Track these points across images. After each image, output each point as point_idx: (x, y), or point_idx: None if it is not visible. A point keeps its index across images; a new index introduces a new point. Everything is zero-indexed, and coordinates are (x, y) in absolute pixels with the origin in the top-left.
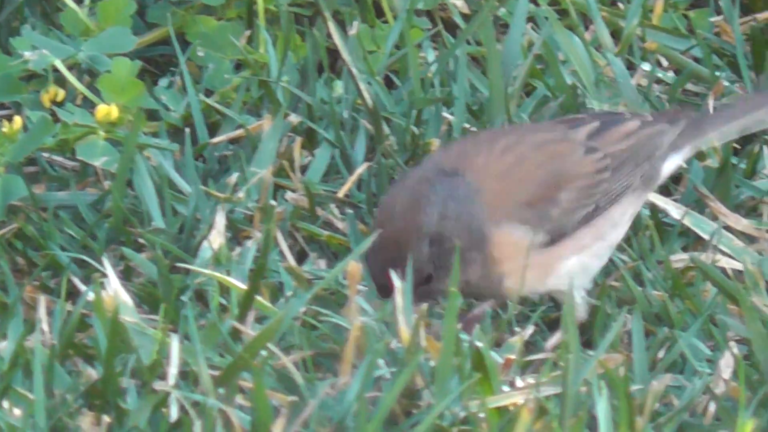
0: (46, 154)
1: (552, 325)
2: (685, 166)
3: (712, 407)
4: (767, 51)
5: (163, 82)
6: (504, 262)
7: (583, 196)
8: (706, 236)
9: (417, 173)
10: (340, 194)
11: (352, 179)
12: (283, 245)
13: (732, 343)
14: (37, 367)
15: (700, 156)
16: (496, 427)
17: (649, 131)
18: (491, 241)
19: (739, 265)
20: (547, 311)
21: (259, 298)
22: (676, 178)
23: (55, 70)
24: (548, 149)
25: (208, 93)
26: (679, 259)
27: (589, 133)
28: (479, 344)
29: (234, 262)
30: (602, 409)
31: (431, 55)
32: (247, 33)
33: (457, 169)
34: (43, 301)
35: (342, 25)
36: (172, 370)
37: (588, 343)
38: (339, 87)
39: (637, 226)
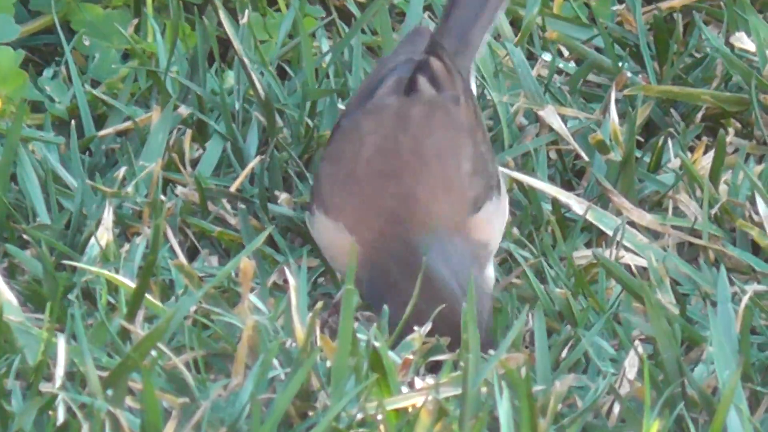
0: None
1: None
2: (586, 158)
3: (617, 408)
4: (670, 41)
5: (47, 72)
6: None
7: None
8: (609, 232)
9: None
10: (232, 189)
11: (245, 173)
12: (174, 242)
13: (637, 342)
14: None
15: (602, 149)
16: (394, 429)
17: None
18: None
19: (643, 262)
20: None
21: (148, 296)
22: (579, 171)
23: None
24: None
25: (95, 84)
26: (582, 255)
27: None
28: (377, 344)
29: (122, 259)
30: (503, 411)
31: (325, 45)
32: (135, 21)
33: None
34: None
35: (233, 14)
36: (59, 371)
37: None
38: (230, 77)
39: (538, 221)
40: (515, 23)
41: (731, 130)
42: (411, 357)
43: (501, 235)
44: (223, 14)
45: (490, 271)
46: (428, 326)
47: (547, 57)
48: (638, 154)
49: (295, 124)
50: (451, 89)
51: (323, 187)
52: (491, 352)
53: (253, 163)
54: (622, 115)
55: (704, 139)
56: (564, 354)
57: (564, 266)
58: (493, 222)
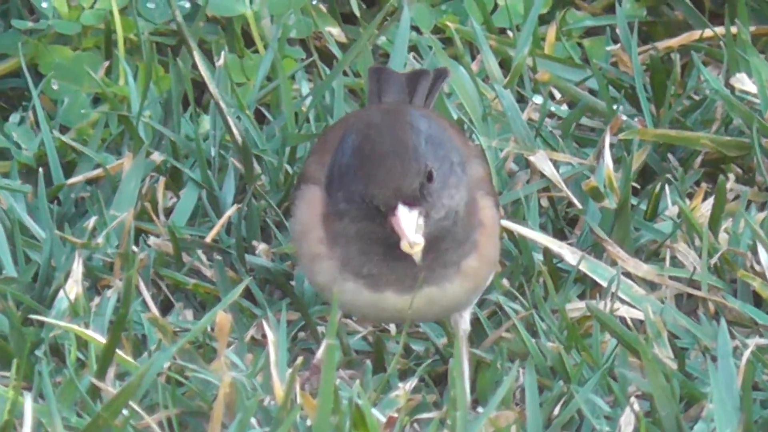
0: None
1: (439, 379)
2: (579, 206)
3: None
4: (668, 82)
5: (14, 117)
6: (485, 226)
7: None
8: (603, 283)
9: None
10: (208, 239)
11: (221, 222)
12: (146, 294)
13: (633, 399)
14: None
15: (596, 196)
16: None
17: None
18: (476, 200)
19: (639, 314)
20: (434, 365)
21: (119, 352)
22: (572, 220)
23: None
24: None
25: (64, 129)
26: (575, 307)
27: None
28: (359, 401)
29: (92, 313)
30: None
31: (305, 88)
32: (106, 64)
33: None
34: None
35: (208, 56)
36: None
37: (477, 400)
38: (206, 122)
39: (529, 272)
40: (504, 64)
41: (732, 176)
42: (396, 415)
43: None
44: (198, 56)
45: None
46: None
47: (538, 100)
48: (634, 201)
49: (274, 171)
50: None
51: (304, 165)
52: (480, 409)
53: (230, 211)
54: (617, 161)
55: (703, 185)
56: (556, 411)
57: (556, 319)
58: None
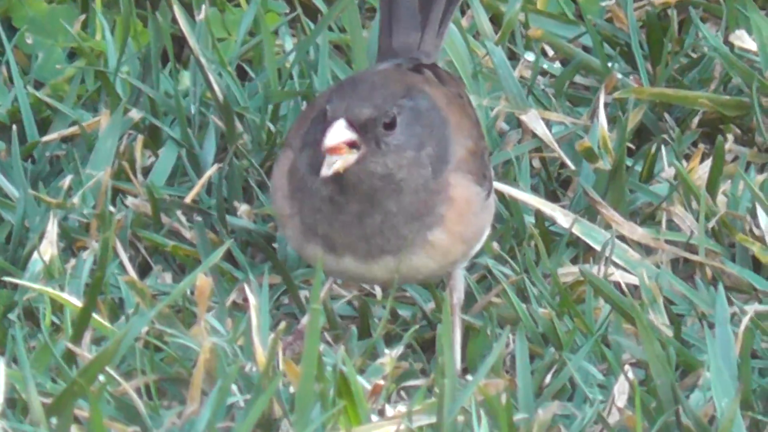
0: None
1: (426, 346)
2: (572, 167)
3: None
4: (665, 39)
5: None
6: (455, 202)
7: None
8: (597, 247)
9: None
10: (188, 199)
11: (201, 182)
12: (123, 257)
13: (627, 367)
14: None
15: (590, 157)
16: None
17: None
18: (446, 179)
19: (634, 280)
20: (421, 331)
21: (96, 316)
22: (565, 181)
23: None
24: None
25: (38, 85)
26: (568, 272)
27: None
28: (344, 368)
29: (68, 275)
30: None
31: (289, 43)
32: (82, 18)
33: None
34: None
35: (189, 9)
36: None
37: (467, 368)
38: (186, 78)
39: (520, 235)
40: (495, 20)
41: (730, 137)
42: (382, 382)
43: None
44: (178, 10)
45: None
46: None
47: (530, 57)
48: (629, 162)
49: (257, 129)
50: (455, 87)
51: (286, 133)
52: (469, 377)
53: (211, 171)
54: (611, 121)
55: (701, 146)
56: (548, 380)
57: (548, 284)
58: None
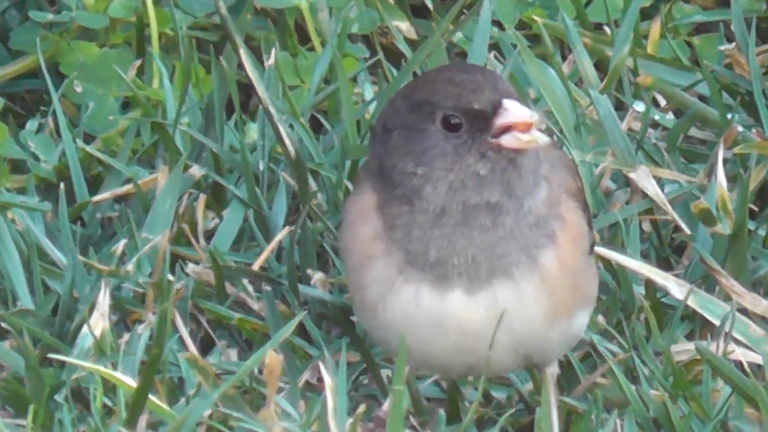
0: None
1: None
2: (687, 231)
3: None
4: None
5: (31, 124)
6: (567, 224)
7: None
8: (716, 321)
9: None
10: (255, 267)
11: (270, 247)
12: (184, 331)
13: None
14: None
15: (707, 219)
16: None
17: None
18: (557, 197)
19: (758, 358)
20: (518, 415)
21: (153, 397)
22: (678, 247)
23: None
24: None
25: (88, 138)
26: (683, 349)
27: None
28: None
29: (122, 352)
30: None
31: (369, 92)
32: (137, 63)
33: None
34: None
35: (257, 54)
36: None
37: None
38: (253, 131)
39: (629, 307)
40: (600, 65)
41: None
42: None
43: None
44: (244, 54)
45: None
46: None
47: (639, 107)
48: (752, 226)
49: (332, 188)
50: None
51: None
52: None
53: (281, 235)
54: (731, 179)
55: None
56: None
57: (660, 363)
58: None
